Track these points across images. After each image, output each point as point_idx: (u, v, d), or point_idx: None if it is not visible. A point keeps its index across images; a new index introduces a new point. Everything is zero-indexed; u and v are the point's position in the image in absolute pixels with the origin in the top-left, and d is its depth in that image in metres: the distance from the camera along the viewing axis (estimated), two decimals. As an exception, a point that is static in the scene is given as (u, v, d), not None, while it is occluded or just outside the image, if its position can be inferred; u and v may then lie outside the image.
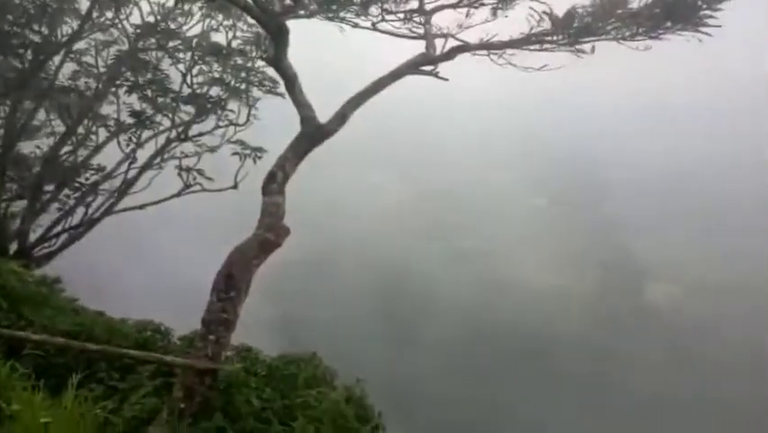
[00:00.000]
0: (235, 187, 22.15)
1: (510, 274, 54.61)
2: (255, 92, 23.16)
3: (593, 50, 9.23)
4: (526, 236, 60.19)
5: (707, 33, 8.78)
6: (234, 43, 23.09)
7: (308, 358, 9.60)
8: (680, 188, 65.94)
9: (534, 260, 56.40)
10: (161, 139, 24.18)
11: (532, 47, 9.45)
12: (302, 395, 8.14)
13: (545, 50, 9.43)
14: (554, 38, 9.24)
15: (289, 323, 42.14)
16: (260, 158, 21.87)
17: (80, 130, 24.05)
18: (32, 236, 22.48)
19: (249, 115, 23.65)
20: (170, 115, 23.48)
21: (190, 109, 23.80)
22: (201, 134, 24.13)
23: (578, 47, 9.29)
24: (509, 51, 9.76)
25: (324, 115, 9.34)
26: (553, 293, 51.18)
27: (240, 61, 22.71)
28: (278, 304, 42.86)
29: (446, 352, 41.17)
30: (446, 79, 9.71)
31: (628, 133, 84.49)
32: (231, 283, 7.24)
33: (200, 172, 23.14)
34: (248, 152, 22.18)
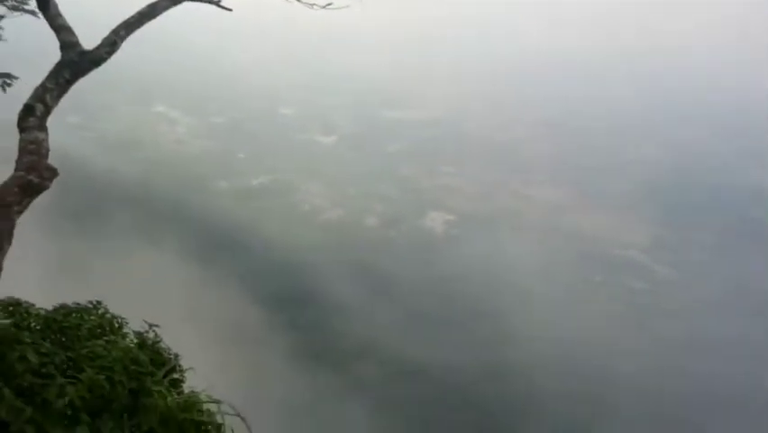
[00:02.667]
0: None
1: (302, 208, 56.08)
2: (-5, 6, 19.32)
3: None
4: (316, 172, 61.80)
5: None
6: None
7: (91, 308, 8.91)
8: (453, 128, 73.23)
9: (325, 195, 58.42)
10: None
11: (313, -17, 9.49)
12: (88, 346, 7.58)
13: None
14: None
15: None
16: (9, 85, 18.51)
17: None
18: None
19: (-13, 33, 19.70)
20: None
21: None
22: None
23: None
24: (294, -13, 9.65)
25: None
26: (339, 224, 53.90)
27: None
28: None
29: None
30: (230, 9, 9.21)
31: (411, 75, 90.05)
32: (-12, 234, 6.27)
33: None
34: (-8, 78, 18.62)
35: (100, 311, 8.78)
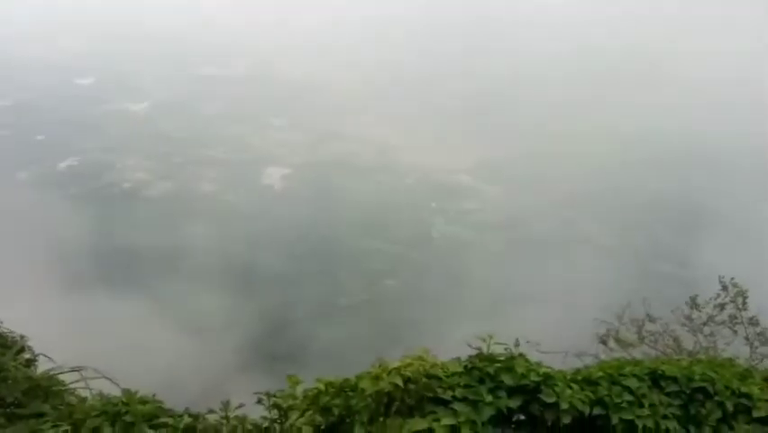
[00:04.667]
0: None
1: (122, 187, 51.75)
2: None
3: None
4: (131, 144, 56.98)
5: None
6: None
7: None
8: (274, 80, 71.41)
9: (146, 168, 54.30)
10: None
11: None
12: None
13: None
14: None
15: None
16: None
17: None
18: None
19: None
20: None
21: None
22: None
23: None
24: None
25: None
26: (170, 197, 50.71)
27: None
28: None
29: None
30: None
31: (220, 30, 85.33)
32: None
33: None
34: None
35: None
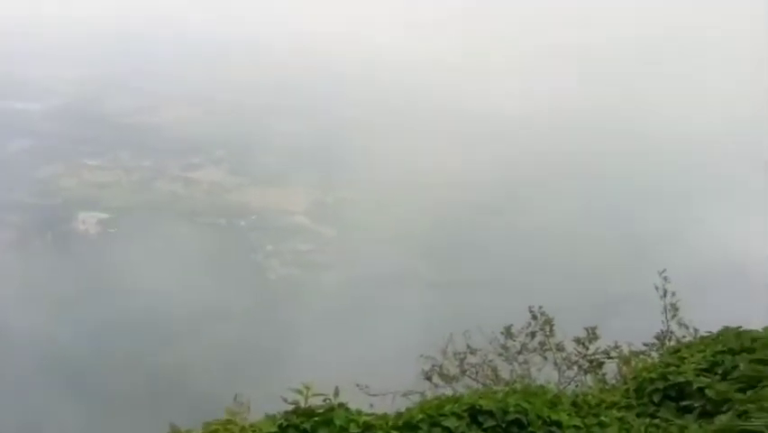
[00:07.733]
0: None
1: None
2: None
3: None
4: None
5: None
6: None
7: None
8: (91, 116, 65.58)
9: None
10: None
11: None
12: None
13: None
14: None
15: None
16: None
17: None
18: None
19: None
20: None
21: None
22: None
23: None
24: None
25: None
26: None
27: None
28: None
29: None
30: None
31: (26, 60, 77.20)
32: None
33: None
34: None
35: None
